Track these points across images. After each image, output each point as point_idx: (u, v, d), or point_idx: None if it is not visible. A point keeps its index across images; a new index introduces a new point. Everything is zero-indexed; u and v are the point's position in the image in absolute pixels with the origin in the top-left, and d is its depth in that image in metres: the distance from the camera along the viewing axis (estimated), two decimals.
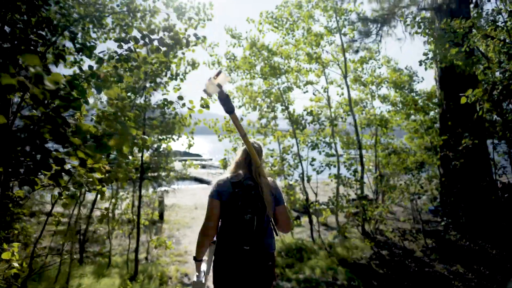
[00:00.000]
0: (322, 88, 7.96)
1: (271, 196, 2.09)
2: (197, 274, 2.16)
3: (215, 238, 2.14)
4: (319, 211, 7.45)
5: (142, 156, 5.17)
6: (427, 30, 4.84)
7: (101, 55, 2.95)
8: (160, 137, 4.98)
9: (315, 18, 7.52)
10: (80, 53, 3.08)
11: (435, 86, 8.52)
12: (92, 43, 3.78)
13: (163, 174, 6.56)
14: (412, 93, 8.06)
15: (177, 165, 7.29)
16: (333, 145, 7.67)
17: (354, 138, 8.34)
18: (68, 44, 3.96)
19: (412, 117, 8.57)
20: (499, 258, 5.51)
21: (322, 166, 6.93)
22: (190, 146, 6.06)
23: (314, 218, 7.30)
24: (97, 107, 5.68)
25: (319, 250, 6.21)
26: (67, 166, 1.55)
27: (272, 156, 7.46)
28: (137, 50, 2.57)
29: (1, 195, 2.65)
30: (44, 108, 1.20)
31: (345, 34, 7.84)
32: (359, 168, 7.30)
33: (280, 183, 7.31)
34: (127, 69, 2.51)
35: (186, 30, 4.45)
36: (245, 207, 2.01)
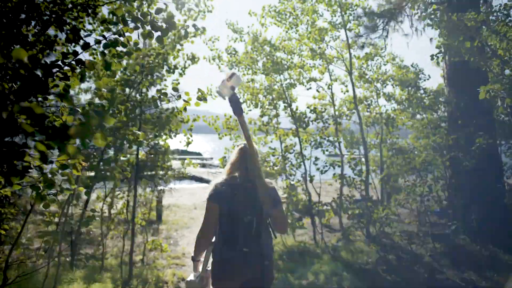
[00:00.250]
0: (326, 84, 7.70)
1: (268, 198, 2.08)
2: (194, 273, 2.17)
3: (213, 240, 2.16)
4: (322, 212, 7.19)
5: (137, 154, 4.90)
6: (438, 23, 4.56)
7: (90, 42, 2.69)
8: (156, 133, 4.71)
9: (319, 12, 7.27)
10: (73, 44, 2.83)
11: (443, 84, 8.24)
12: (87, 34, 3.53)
13: (161, 173, 6.30)
14: (419, 91, 7.79)
15: (176, 163, 7.03)
16: (337, 144, 7.41)
17: (358, 137, 8.08)
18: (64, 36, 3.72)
19: (418, 116, 8.31)
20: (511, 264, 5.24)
21: (326, 166, 6.66)
22: (188, 143, 5.80)
23: (317, 220, 7.03)
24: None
25: (322, 253, 5.94)
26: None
27: (273, 155, 7.19)
28: (127, 34, 2.31)
29: None
30: None
31: (350, 30, 7.57)
32: (364, 168, 7.04)
33: (281, 183, 7.05)
34: (115, 55, 2.25)
35: (185, 21, 4.20)
36: (243, 209, 2.04)
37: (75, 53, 2.21)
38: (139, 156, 5.10)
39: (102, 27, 3.62)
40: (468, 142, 6.18)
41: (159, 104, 4.04)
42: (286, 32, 7.36)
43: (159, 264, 5.48)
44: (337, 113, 7.81)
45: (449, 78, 7.40)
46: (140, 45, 4.51)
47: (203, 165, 22.05)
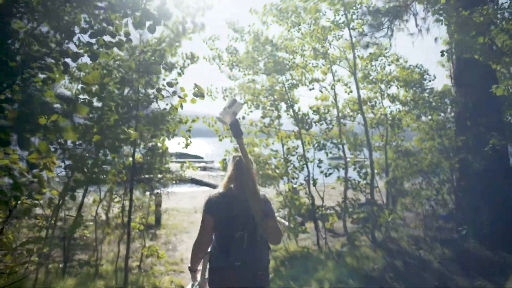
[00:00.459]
0: (329, 85, 7.50)
1: (262, 211, 2.12)
2: (192, 283, 2.24)
3: (209, 249, 2.23)
4: (326, 216, 6.96)
5: (133, 155, 4.69)
6: (449, 18, 4.37)
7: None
8: (152, 133, 4.51)
9: (321, 11, 7.09)
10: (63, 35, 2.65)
11: (449, 85, 8.02)
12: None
13: (159, 176, 6.09)
14: (425, 92, 7.59)
15: (175, 166, 6.83)
16: (340, 146, 7.21)
17: (362, 139, 7.87)
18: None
19: (423, 118, 8.10)
20: None
21: (331, 168, 6.44)
22: (187, 145, 5.60)
23: (320, 224, 6.79)
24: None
25: (326, 259, 5.70)
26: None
27: (275, 158, 6.98)
28: (117, 21, 2.11)
29: None
30: None
31: (354, 29, 7.39)
32: (369, 171, 6.83)
33: (283, 186, 6.85)
34: (103, 46, 2.06)
35: (184, 18, 4.05)
36: (236, 223, 2.11)
37: (59, 43, 2.02)
38: (136, 158, 4.89)
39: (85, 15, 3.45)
40: (477, 143, 5.95)
41: (154, 101, 3.85)
42: (288, 31, 7.19)
43: (157, 271, 5.26)
44: (340, 114, 7.62)
45: (456, 78, 7.19)
46: (136, 42, 4.33)
47: (204, 168, 21.82)
